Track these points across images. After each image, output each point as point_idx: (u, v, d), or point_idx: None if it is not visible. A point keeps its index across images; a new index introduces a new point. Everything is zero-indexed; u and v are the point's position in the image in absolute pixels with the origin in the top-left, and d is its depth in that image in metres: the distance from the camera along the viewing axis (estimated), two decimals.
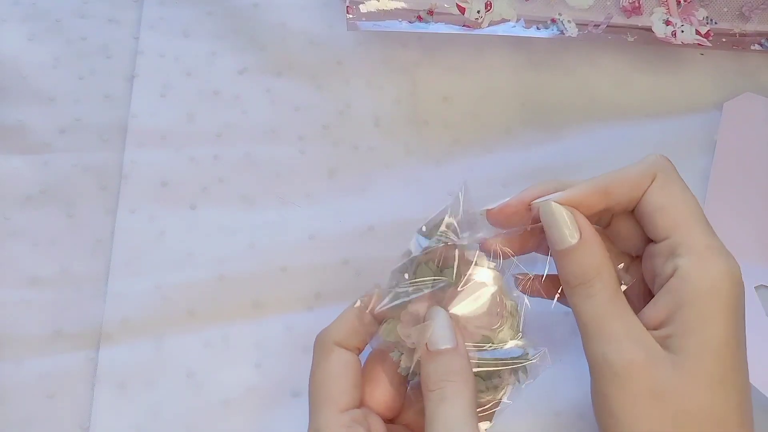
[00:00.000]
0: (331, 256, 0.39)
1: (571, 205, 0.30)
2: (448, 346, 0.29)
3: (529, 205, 0.31)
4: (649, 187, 0.30)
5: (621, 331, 0.27)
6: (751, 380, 0.33)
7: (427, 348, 0.29)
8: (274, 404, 0.36)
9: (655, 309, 0.28)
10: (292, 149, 0.42)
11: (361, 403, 0.30)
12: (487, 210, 0.32)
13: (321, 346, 0.31)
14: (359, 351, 0.31)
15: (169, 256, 0.38)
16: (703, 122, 0.45)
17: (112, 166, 0.40)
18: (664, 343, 0.27)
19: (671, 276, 0.28)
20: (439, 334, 0.29)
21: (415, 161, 0.42)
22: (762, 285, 0.40)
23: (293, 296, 0.38)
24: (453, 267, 0.31)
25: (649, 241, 0.30)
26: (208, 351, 0.37)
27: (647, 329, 0.28)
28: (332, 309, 0.37)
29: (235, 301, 0.38)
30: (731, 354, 0.27)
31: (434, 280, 0.31)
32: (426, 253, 0.31)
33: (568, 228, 0.29)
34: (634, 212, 0.30)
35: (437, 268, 0.31)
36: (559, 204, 0.29)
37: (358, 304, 0.31)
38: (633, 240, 0.31)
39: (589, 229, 0.29)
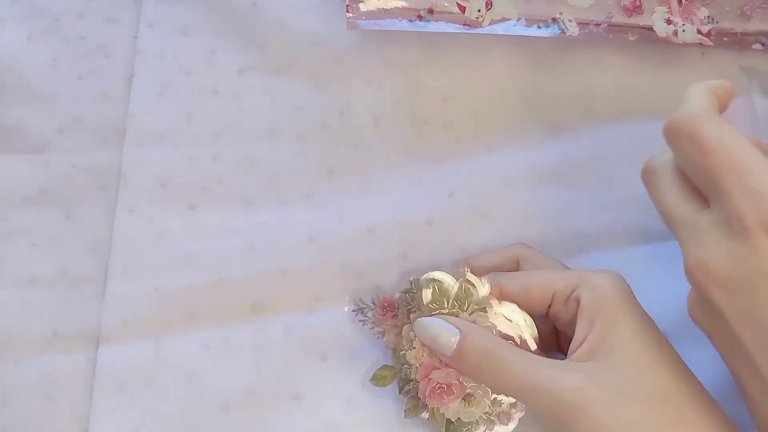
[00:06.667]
0: (330, 257, 0.39)
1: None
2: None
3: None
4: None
5: (549, 372, 0.29)
6: None
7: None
8: (273, 407, 0.36)
9: (576, 337, 0.31)
10: (292, 149, 0.42)
11: None
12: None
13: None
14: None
15: (168, 257, 0.38)
16: None
17: (111, 166, 0.40)
18: (590, 356, 0.29)
19: (578, 308, 0.31)
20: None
21: (415, 161, 0.42)
22: None
23: (293, 298, 0.38)
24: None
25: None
26: (207, 353, 0.37)
27: (576, 357, 0.30)
28: (332, 311, 0.38)
29: (234, 303, 0.38)
30: (652, 340, 0.30)
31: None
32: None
33: (446, 334, 0.32)
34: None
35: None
36: (426, 318, 0.33)
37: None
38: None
39: (463, 324, 0.32)
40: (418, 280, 0.35)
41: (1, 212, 0.39)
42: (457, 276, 0.34)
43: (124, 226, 0.39)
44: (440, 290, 0.34)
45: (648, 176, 0.31)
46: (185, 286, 0.38)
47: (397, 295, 0.35)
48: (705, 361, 0.31)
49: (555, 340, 0.36)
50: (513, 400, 0.33)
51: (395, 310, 0.35)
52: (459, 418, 0.33)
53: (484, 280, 0.34)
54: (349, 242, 0.39)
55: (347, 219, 0.40)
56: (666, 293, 0.33)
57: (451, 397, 0.32)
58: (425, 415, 0.34)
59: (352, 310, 0.36)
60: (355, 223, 0.40)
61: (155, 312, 0.37)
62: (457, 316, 0.33)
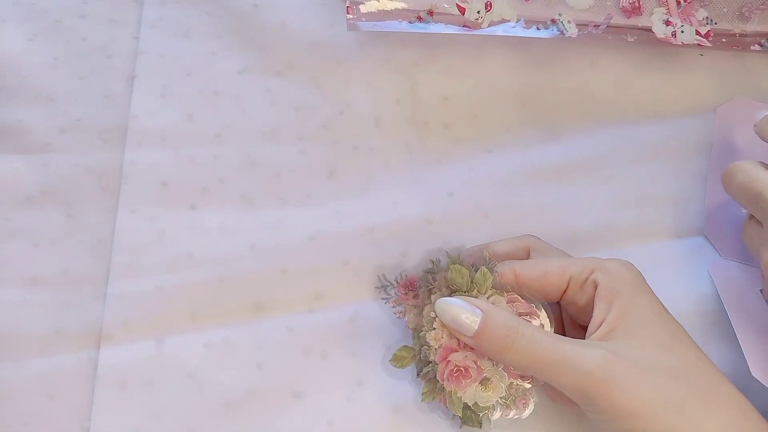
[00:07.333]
0: (331, 256, 0.39)
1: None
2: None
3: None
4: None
5: (574, 348, 0.30)
6: (756, 376, 0.33)
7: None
8: (274, 405, 0.36)
9: (595, 319, 0.31)
10: (292, 149, 0.42)
11: None
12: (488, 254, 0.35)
13: None
14: None
15: (170, 257, 0.38)
16: (702, 122, 0.45)
17: (113, 166, 0.40)
18: (609, 336, 0.31)
19: (594, 291, 0.32)
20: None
21: (415, 161, 0.42)
22: None
23: (294, 297, 0.38)
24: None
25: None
26: (208, 352, 0.37)
27: (596, 338, 0.31)
28: (333, 310, 0.38)
29: (235, 302, 0.38)
30: (668, 320, 0.31)
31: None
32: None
33: (467, 313, 0.32)
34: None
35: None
36: (448, 298, 0.33)
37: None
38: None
39: (485, 304, 0.32)
40: (439, 260, 0.35)
41: (2, 212, 0.39)
42: (476, 261, 0.35)
43: (125, 226, 0.39)
44: (460, 273, 0.34)
45: (733, 169, 0.37)
46: (186, 285, 0.38)
47: (419, 274, 0.35)
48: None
49: (561, 330, 0.36)
50: (529, 385, 0.33)
51: (416, 290, 0.35)
52: (475, 403, 0.33)
53: (502, 264, 0.34)
54: (349, 242, 0.40)
55: (347, 218, 0.40)
56: (665, 293, 0.33)
57: (469, 380, 0.33)
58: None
59: (376, 287, 0.37)
60: (355, 222, 0.40)
61: (156, 311, 0.37)
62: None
